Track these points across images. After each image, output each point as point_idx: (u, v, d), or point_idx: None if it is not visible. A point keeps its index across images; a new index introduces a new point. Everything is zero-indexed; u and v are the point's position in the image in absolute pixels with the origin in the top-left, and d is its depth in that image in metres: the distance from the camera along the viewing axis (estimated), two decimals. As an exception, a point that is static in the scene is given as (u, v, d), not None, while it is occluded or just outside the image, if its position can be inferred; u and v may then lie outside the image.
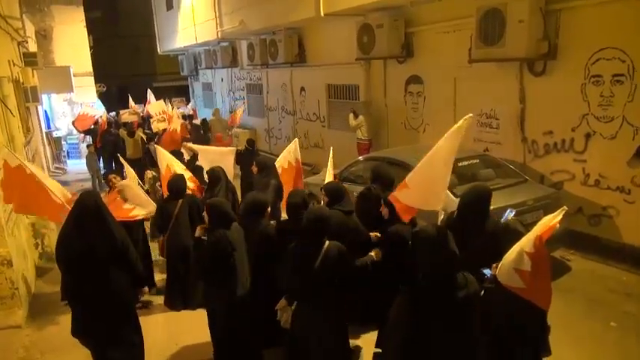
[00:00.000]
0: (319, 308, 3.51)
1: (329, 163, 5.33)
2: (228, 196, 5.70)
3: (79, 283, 3.79)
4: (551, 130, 6.76)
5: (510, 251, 3.00)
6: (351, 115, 9.86)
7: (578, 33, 6.22)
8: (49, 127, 16.54)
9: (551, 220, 2.86)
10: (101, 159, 12.46)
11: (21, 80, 10.46)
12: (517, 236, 3.10)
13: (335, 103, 11.63)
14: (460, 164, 6.35)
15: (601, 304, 5.15)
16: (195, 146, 7.97)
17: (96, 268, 3.76)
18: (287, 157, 6.42)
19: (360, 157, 7.85)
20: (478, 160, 6.54)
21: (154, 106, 12.65)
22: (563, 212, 2.90)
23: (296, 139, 6.84)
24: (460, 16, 7.60)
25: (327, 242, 3.49)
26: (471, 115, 3.80)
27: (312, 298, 3.51)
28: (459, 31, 7.79)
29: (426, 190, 4.02)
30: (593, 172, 6.30)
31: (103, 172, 11.08)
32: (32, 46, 14.13)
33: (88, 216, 3.82)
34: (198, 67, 19.70)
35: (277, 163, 6.38)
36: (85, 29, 18.34)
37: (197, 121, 14.97)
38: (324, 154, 11.89)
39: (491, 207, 5.17)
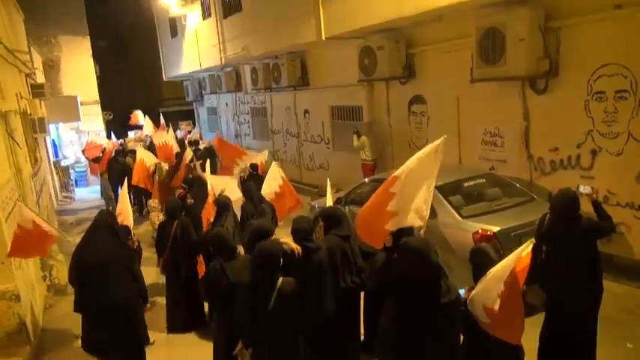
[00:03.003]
0: (277, 351, 3.37)
1: (327, 192, 5.35)
2: (236, 225, 5.72)
3: (91, 293, 4.32)
4: (556, 147, 6.72)
5: (484, 284, 3.00)
6: (355, 136, 9.89)
7: (578, 50, 6.23)
8: (57, 155, 16.72)
9: (522, 253, 2.88)
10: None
11: (29, 112, 10.59)
12: (488, 261, 3.10)
13: (339, 124, 11.67)
14: (466, 184, 6.32)
15: (616, 325, 5.02)
16: (206, 175, 8.04)
17: (106, 278, 4.29)
18: (272, 187, 6.65)
19: (366, 179, 7.84)
20: (484, 180, 6.48)
21: (161, 135, 12.72)
22: (532, 244, 2.99)
23: (266, 157, 7.10)
24: (461, 36, 7.65)
25: (280, 278, 3.35)
26: (445, 136, 3.85)
27: (269, 341, 3.35)
28: (460, 51, 7.82)
29: (411, 211, 4.11)
30: (602, 188, 6.22)
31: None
32: (40, 77, 14.37)
33: (101, 231, 4.49)
34: (203, 92, 19.91)
35: (265, 194, 6.55)
36: (92, 58, 18.67)
37: (203, 144, 15.08)
38: (330, 175, 11.85)
39: (501, 228, 5.24)
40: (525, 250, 2.93)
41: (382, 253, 4.08)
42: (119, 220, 5.29)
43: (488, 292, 2.91)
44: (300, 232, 4.12)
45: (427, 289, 2.85)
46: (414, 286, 2.87)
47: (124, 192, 6.17)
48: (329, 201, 5.20)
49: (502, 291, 2.83)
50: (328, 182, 5.52)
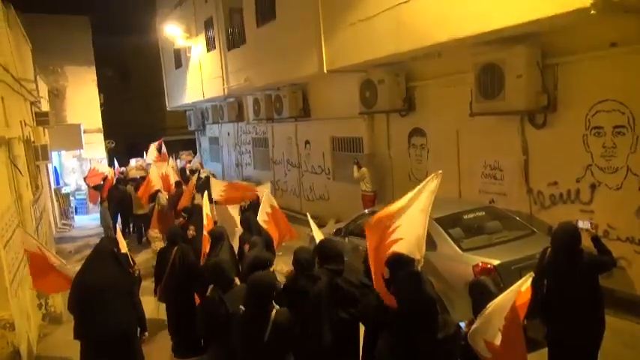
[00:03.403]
0: None
1: (312, 226, 5.39)
2: (232, 255, 5.72)
3: (91, 319, 4.33)
4: (556, 181, 6.75)
5: (484, 318, 2.99)
6: (355, 167, 9.95)
7: (576, 86, 6.33)
8: (58, 183, 16.76)
9: (522, 287, 2.87)
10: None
11: (32, 139, 10.69)
12: (488, 294, 3.09)
13: (340, 155, 11.75)
14: (466, 217, 6.32)
15: (617, 361, 4.96)
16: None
17: (107, 304, 4.31)
18: (262, 216, 6.83)
19: (366, 210, 7.85)
20: (484, 212, 6.49)
21: (161, 166, 12.84)
22: (531, 278, 2.98)
23: (268, 190, 7.31)
24: (459, 71, 7.78)
25: (274, 309, 3.35)
26: (440, 171, 3.85)
27: None
28: (459, 85, 7.94)
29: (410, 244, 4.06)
30: (602, 222, 6.21)
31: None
32: (45, 106, 14.55)
33: (102, 257, 4.54)
34: (206, 122, 20.10)
35: (259, 219, 6.70)
36: (97, 88, 18.96)
37: (204, 173, 15.15)
38: (330, 206, 11.91)
39: (501, 261, 5.22)
40: (524, 283, 2.92)
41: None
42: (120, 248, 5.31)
43: (489, 326, 2.90)
44: (301, 262, 4.10)
45: (423, 323, 2.83)
46: (409, 320, 2.85)
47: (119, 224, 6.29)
48: (316, 234, 5.18)
49: (503, 325, 2.82)
50: (309, 216, 5.56)
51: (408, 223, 4.03)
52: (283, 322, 3.30)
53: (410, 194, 4.00)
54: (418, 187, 4.00)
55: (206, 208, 6.45)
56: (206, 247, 5.76)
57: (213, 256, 5.36)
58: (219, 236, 5.67)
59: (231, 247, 5.88)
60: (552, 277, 4.02)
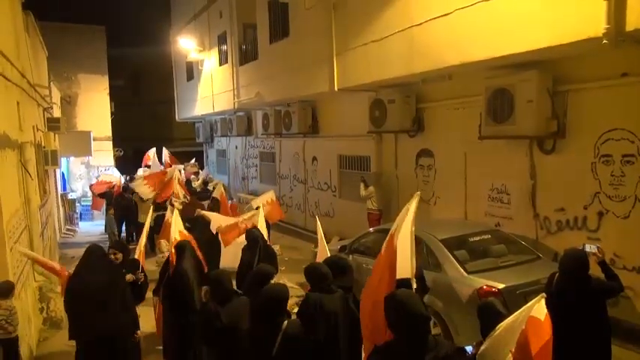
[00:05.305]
0: None
1: (319, 235, 5.42)
2: (195, 265, 5.74)
3: (84, 319, 4.39)
4: (563, 208, 6.74)
5: (495, 339, 2.95)
6: (362, 185, 9.96)
7: (586, 113, 6.36)
8: (64, 188, 16.86)
9: (532, 309, 2.81)
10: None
11: (42, 144, 10.80)
12: (497, 317, 3.07)
13: (346, 173, 11.78)
14: (472, 239, 6.30)
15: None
16: (209, 214, 8.10)
17: (97, 304, 4.36)
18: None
19: (371, 229, 7.84)
20: (490, 236, 6.48)
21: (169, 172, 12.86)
22: (543, 299, 2.91)
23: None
24: (470, 94, 7.83)
25: (285, 322, 3.34)
26: (419, 193, 3.85)
27: None
28: (468, 108, 7.99)
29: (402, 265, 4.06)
30: (608, 251, 6.16)
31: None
32: (56, 112, 14.72)
33: (94, 258, 4.65)
34: (214, 135, 20.24)
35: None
36: (108, 96, 19.20)
37: (213, 185, 15.18)
38: (335, 223, 11.90)
39: (506, 285, 5.19)
40: (536, 304, 2.86)
41: None
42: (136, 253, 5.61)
43: (499, 347, 2.86)
44: (315, 277, 4.06)
45: (414, 342, 2.79)
46: (401, 338, 2.82)
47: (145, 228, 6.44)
48: (322, 245, 5.20)
49: (515, 348, 2.78)
50: (318, 221, 5.57)
51: (401, 245, 4.05)
52: (294, 333, 3.27)
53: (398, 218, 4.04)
54: (403, 210, 4.03)
55: (180, 226, 6.41)
56: (173, 259, 5.78)
57: (178, 267, 5.38)
58: (182, 248, 5.68)
59: (197, 258, 5.85)
60: (560, 302, 4.00)
